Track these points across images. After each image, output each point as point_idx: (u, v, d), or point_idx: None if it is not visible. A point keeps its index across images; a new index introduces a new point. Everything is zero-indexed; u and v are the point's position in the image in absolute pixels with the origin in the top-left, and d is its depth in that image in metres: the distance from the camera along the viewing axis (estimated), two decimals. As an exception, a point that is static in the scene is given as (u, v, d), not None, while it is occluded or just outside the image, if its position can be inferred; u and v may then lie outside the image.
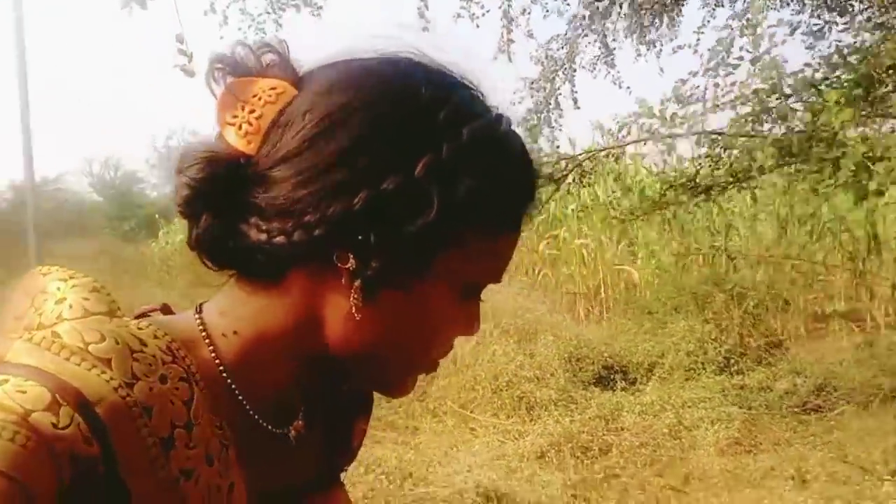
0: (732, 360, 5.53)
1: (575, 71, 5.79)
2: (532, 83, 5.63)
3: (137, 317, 0.59)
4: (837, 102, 2.43)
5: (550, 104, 5.67)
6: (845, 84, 2.76)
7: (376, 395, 0.73)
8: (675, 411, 4.63)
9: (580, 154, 4.25)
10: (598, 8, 5.56)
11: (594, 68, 5.84)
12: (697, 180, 4.09)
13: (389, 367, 0.61)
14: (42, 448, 0.43)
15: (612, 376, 5.36)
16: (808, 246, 7.26)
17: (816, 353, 5.92)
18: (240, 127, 0.55)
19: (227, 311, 0.58)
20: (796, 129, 3.24)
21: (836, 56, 3.32)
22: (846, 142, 2.44)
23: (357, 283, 0.54)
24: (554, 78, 5.67)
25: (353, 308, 0.55)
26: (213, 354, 0.56)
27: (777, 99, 3.03)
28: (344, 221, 0.52)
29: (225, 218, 0.55)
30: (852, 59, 2.97)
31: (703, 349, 5.53)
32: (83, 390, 0.46)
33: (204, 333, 0.57)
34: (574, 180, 4.50)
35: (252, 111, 0.55)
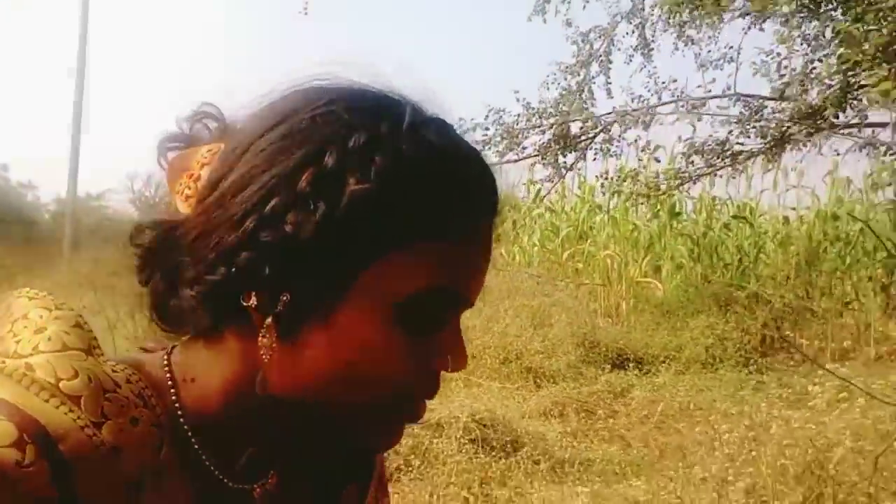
0: (752, 360, 5.34)
1: (611, 62, 5.81)
2: (566, 67, 5.66)
3: (143, 350, 0.60)
4: None
5: (584, 92, 5.68)
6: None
7: None
8: (689, 393, 4.47)
9: (606, 114, 4.21)
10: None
11: (630, 60, 5.85)
12: (726, 147, 4.01)
13: (352, 413, 0.55)
14: (8, 485, 0.43)
15: (625, 363, 5.20)
16: (837, 270, 7.07)
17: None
18: (182, 193, 0.56)
19: (186, 359, 0.57)
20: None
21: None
22: None
23: (267, 321, 0.51)
24: (590, 65, 5.69)
25: (270, 351, 0.51)
26: (175, 402, 0.54)
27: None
28: (234, 257, 0.50)
29: (168, 281, 0.55)
30: None
31: (723, 345, 5.36)
32: (48, 427, 0.45)
33: (170, 379, 0.55)
34: (599, 149, 4.46)
35: (191, 175, 0.56)
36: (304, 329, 0.51)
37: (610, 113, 4.33)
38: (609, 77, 5.82)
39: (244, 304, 0.50)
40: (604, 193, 6.81)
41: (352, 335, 0.51)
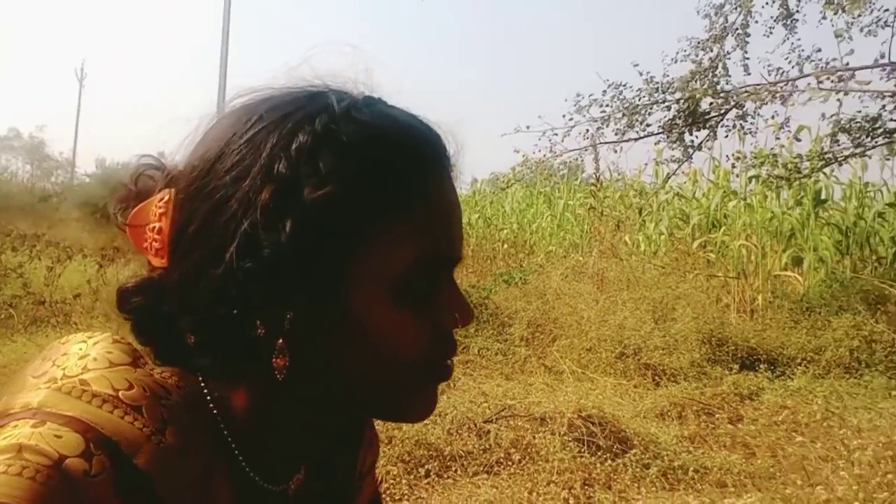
0: (905, 365, 4.77)
1: (749, 36, 5.36)
2: (699, 43, 5.27)
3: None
4: None
5: (716, 67, 5.27)
6: None
7: None
8: (826, 398, 4.04)
9: (739, 88, 3.85)
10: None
11: (770, 32, 5.37)
12: (878, 124, 3.56)
13: (384, 394, 0.56)
14: (73, 494, 0.44)
15: (755, 363, 4.80)
16: None
17: None
18: (151, 249, 0.56)
19: (209, 382, 0.57)
20: None
21: None
22: None
23: (279, 342, 0.52)
24: (724, 39, 5.27)
25: (284, 370, 0.52)
26: (214, 411, 0.56)
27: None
28: (226, 294, 0.51)
29: (168, 333, 0.55)
30: None
31: (871, 349, 4.83)
32: (119, 441, 0.47)
33: (205, 389, 0.56)
34: (732, 126, 4.10)
35: (153, 229, 0.56)
36: (316, 337, 0.53)
37: (744, 87, 3.96)
38: (746, 52, 5.38)
39: (253, 335, 0.51)
40: (738, 177, 6.32)
41: (363, 326, 0.53)
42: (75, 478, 0.44)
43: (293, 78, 0.58)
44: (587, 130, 4.46)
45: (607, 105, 4.10)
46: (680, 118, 3.80)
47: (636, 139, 4.09)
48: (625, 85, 4.17)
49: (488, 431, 3.21)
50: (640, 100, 4.14)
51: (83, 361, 0.53)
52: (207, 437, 0.54)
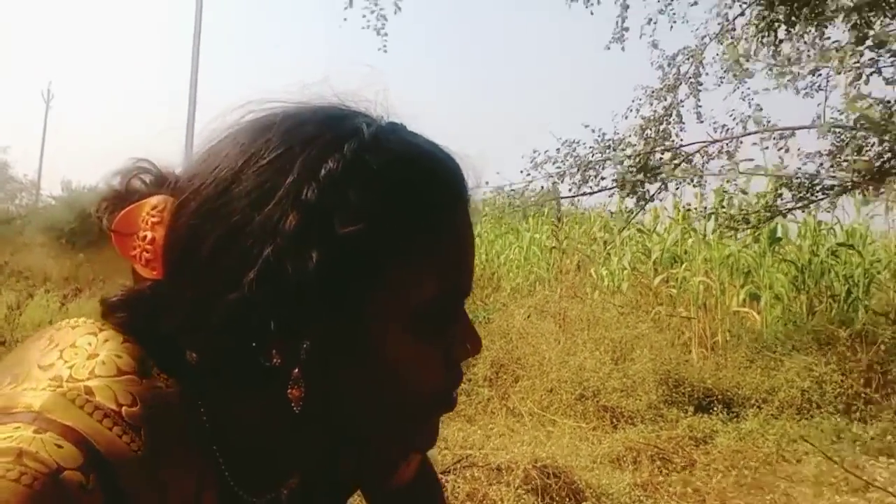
0: (855, 407, 4.93)
1: (701, 85, 5.56)
2: (653, 92, 5.46)
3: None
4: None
5: (670, 116, 5.46)
6: None
7: None
8: (777, 442, 4.17)
9: (689, 145, 4.02)
10: (727, 19, 5.32)
11: (720, 84, 5.58)
12: (816, 181, 3.74)
13: (395, 424, 0.56)
14: None
15: (711, 404, 4.93)
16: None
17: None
18: (140, 258, 0.55)
19: (209, 398, 0.56)
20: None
21: None
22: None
23: (295, 372, 0.51)
24: (677, 88, 5.47)
25: (300, 401, 0.51)
26: (208, 427, 0.55)
27: None
28: (241, 318, 0.49)
29: (161, 348, 0.54)
30: None
31: (821, 389, 4.98)
32: (113, 462, 0.47)
33: (202, 407, 0.55)
34: (683, 181, 4.26)
35: (144, 238, 0.54)
36: (331, 367, 0.52)
37: (692, 144, 4.13)
38: (699, 100, 5.58)
39: (267, 364, 0.50)
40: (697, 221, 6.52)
41: (381, 357, 0.52)
42: (70, 490, 0.44)
43: (307, 95, 0.57)
44: (542, 187, 4.61)
45: (562, 161, 4.25)
46: (631, 173, 3.95)
47: (591, 193, 4.24)
48: (578, 142, 4.33)
49: (446, 482, 3.27)
50: (592, 156, 4.29)
51: (91, 363, 0.51)
52: (200, 459, 0.53)
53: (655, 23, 5.56)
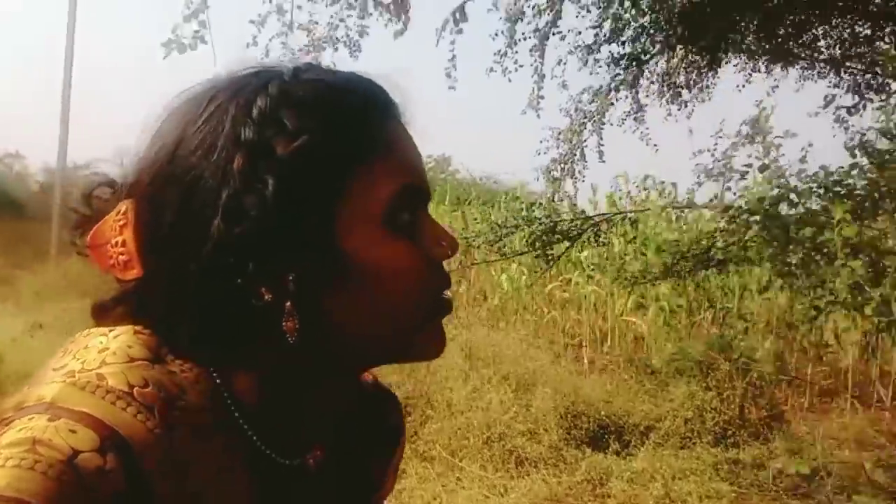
0: (730, 432, 5.46)
1: (604, 125, 5.79)
2: (559, 134, 5.64)
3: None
4: (843, 219, 2.40)
5: (576, 156, 5.67)
6: (856, 192, 2.72)
7: None
8: (665, 482, 4.58)
9: (597, 216, 4.24)
10: (631, 64, 5.54)
11: (623, 123, 5.83)
12: (711, 253, 4.05)
13: (395, 332, 0.58)
14: (84, 491, 0.43)
15: (605, 437, 5.31)
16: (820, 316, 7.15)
17: (817, 430, 5.84)
18: (117, 264, 0.56)
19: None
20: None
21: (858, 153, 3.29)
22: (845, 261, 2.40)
23: (287, 305, 0.52)
24: (582, 130, 5.67)
25: (295, 332, 0.53)
26: (226, 396, 0.56)
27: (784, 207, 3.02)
28: (223, 268, 0.51)
29: (163, 335, 0.55)
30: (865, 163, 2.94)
31: (702, 418, 5.47)
32: (129, 438, 0.47)
33: (218, 380, 0.56)
34: (588, 239, 4.49)
35: (116, 243, 0.56)
36: (322, 291, 0.54)
37: (597, 215, 4.36)
38: (602, 139, 5.82)
39: (260, 304, 0.52)
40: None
41: (364, 266, 0.54)
42: (88, 474, 0.44)
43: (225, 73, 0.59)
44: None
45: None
46: (540, 239, 4.15)
47: (503, 258, 4.40)
48: (492, 206, 4.47)
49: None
50: (504, 221, 4.44)
51: (102, 355, 0.52)
52: (223, 433, 0.54)
53: (565, 63, 5.68)
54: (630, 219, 4.32)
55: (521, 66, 4.54)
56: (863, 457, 5.13)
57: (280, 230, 0.51)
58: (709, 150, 4.28)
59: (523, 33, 4.40)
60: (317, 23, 3.87)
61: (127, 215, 0.56)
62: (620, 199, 7.18)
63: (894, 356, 6.78)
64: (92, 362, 0.52)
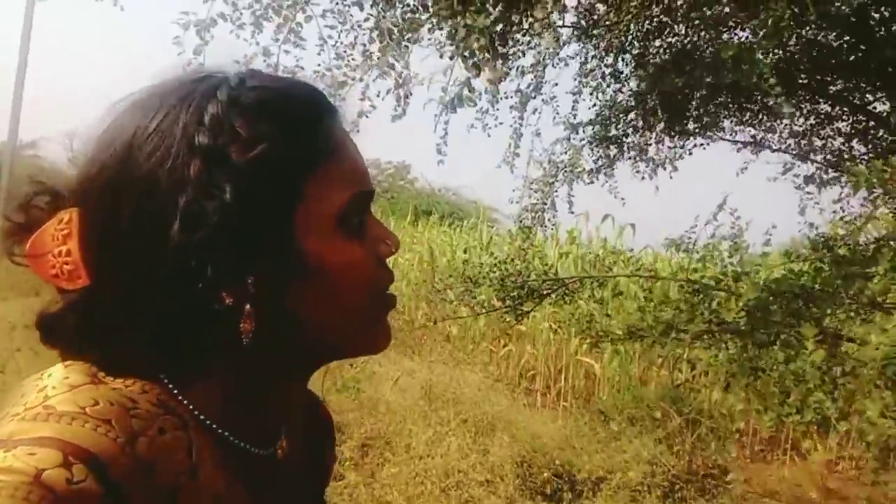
0: (678, 486, 5.61)
1: (576, 176, 5.88)
2: (532, 183, 5.71)
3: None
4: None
5: (546, 205, 5.74)
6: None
7: None
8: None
9: (568, 278, 4.31)
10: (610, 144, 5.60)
11: (594, 180, 5.92)
12: (675, 324, 4.16)
13: (347, 325, 0.60)
14: None
15: (560, 487, 5.39)
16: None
17: (759, 480, 6.06)
18: (61, 273, 0.55)
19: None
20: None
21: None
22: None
23: (247, 308, 0.54)
24: (553, 182, 5.75)
25: (250, 334, 0.54)
26: (184, 401, 0.56)
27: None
28: (185, 274, 0.51)
29: (112, 346, 0.55)
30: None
31: (652, 472, 5.60)
32: (94, 450, 0.46)
33: (171, 386, 0.56)
34: (557, 298, 4.56)
35: (60, 252, 0.56)
36: (279, 292, 0.55)
37: (567, 278, 4.44)
38: (573, 189, 5.92)
39: (220, 307, 0.52)
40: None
41: (320, 266, 0.56)
42: (61, 490, 0.43)
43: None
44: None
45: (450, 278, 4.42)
46: (510, 296, 4.20)
47: (474, 315, 4.44)
48: (466, 262, 4.52)
49: None
50: (475, 276, 4.48)
51: (43, 392, 0.52)
52: (186, 432, 0.54)
53: (541, 113, 5.75)
54: (599, 282, 4.40)
55: (500, 122, 4.57)
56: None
57: (239, 235, 0.52)
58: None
59: (505, 92, 4.43)
60: (302, 68, 3.83)
61: (70, 224, 0.56)
62: (580, 246, 7.29)
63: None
64: (35, 400, 0.51)
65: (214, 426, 0.57)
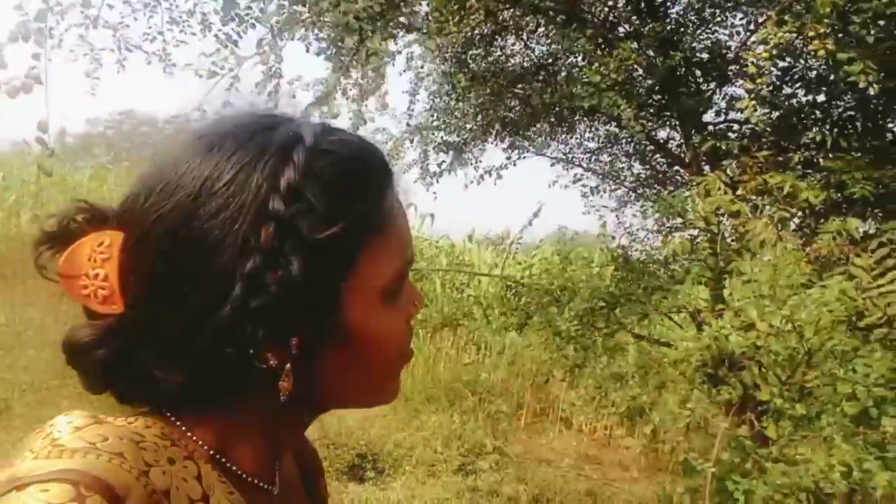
0: (469, 460, 6.11)
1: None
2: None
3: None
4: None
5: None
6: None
7: None
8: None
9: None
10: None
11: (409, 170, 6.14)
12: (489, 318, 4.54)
13: (371, 385, 0.63)
14: None
15: (363, 465, 5.63)
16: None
17: (537, 453, 6.76)
18: (94, 296, 0.55)
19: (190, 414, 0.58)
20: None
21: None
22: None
23: (287, 367, 0.55)
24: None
25: (288, 390, 0.55)
26: (192, 437, 0.57)
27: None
28: (235, 332, 0.52)
29: (131, 376, 0.56)
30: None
31: (448, 447, 6.04)
32: (110, 482, 0.46)
33: (178, 421, 0.57)
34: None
35: (97, 276, 0.55)
36: (318, 354, 0.56)
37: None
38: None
39: (263, 366, 0.54)
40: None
41: (360, 333, 0.58)
42: None
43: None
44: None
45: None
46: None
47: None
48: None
49: None
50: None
51: (49, 437, 0.51)
52: (194, 462, 0.54)
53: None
54: (420, 274, 4.67)
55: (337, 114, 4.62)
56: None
57: (295, 304, 0.53)
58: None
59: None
60: (128, 26, 3.60)
61: (112, 250, 0.55)
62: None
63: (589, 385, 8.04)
64: (42, 444, 0.50)
65: (219, 457, 0.58)
